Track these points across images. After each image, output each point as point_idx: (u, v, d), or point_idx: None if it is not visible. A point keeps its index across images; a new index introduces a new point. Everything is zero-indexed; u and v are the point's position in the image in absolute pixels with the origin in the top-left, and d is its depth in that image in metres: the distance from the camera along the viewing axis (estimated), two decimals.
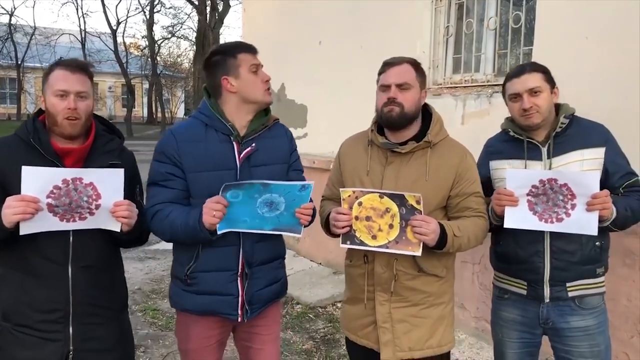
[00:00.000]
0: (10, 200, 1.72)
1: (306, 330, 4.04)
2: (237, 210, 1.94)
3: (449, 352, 2.17)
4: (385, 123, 2.08)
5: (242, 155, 2.03)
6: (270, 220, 1.97)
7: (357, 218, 1.98)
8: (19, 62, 31.52)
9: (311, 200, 2.03)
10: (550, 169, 2.08)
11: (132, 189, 1.99)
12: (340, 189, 2.03)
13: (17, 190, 1.75)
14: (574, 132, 2.10)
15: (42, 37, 30.81)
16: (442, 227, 1.96)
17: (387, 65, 2.08)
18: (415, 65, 2.09)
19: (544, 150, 2.11)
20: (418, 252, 1.95)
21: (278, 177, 2.05)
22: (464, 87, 4.16)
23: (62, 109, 1.83)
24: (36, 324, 1.85)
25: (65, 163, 1.85)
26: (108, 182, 1.81)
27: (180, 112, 42.08)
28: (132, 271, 5.26)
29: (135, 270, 5.37)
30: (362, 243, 1.99)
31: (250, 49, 2.06)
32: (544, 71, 2.12)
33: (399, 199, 1.94)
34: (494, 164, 2.23)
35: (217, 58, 2.06)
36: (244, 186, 1.94)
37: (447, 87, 4.30)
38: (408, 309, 2.07)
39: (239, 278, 2.06)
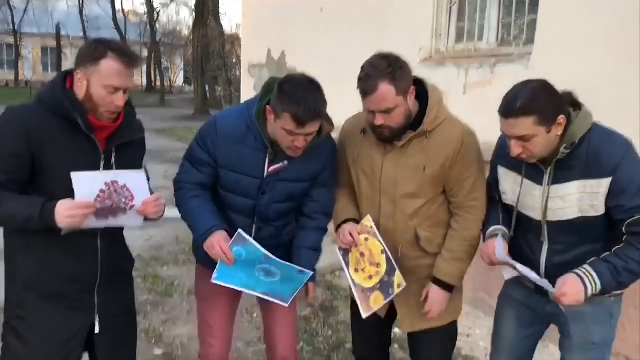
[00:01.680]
0: (67, 206, 1.69)
1: (304, 298, 4.06)
2: (236, 267, 2.03)
3: (457, 320, 2.26)
4: (378, 139, 2.04)
5: (270, 170, 2.06)
6: (264, 283, 2.08)
7: (356, 246, 2.10)
8: (16, 28, 31.07)
9: (313, 279, 2.18)
10: (548, 197, 1.84)
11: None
12: (365, 218, 2.10)
13: (50, 166, 1.76)
14: (580, 156, 1.78)
15: (39, 3, 30.30)
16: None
17: (364, 92, 1.93)
18: (392, 78, 1.88)
19: (546, 176, 1.85)
20: (364, 315, 2.10)
21: (298, 194, 2.14)
22: (467, 57, 4.10)
23: (108, 102, 1.78)
24: (65, 294, 1.88)
25: (97, 137, 1.83)
26: (136, 182, 1.84)
27: (179, 80, 41.67)
28: (132, 238, 5.22)
29: (135, 237, 5.37)
30: (347, 265, 2.14)
31: (299, 121, 1.88)
32: (539, 112, 1.71)
33: (391, 268, 2.06)
34: (499, 169, 2.04)
35: (285, 89, 1.91)
36: (248, 246, 2.01)
37: (449, 57, 4.24)
38: (420, 282, 2.13)
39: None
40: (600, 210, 1.77)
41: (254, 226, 2.14)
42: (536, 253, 1.93)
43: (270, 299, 2.10)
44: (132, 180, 1.83)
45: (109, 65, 1.75)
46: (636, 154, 1.77)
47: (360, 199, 2.18)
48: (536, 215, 1.89)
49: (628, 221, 1.74)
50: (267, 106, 1.96)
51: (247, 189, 2.08)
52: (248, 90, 6.56)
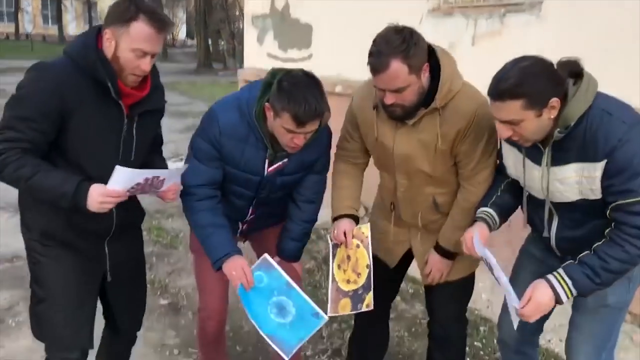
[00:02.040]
0: (101, 192, 1.70)
1: (308, 251, 4.11)
2: (253, 294, 2.02)
3: (474, 274, 2.26)
4: (390, 117, 1.98)
5: (270, 170, 2.08)
6: (272, 324, 2.02)
7: (346, 247, 2.12)
8: None
9: (297, 259, 2.28)
10: (548, 179, 1.76)
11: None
12: (364, 225, 2.11)
13: (76, 128, 1.74)
14: (577, 138, 1.66)
15: None
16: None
17: (374, 70, 1.82)
18: (405, 56, 1.77)
19: (544, 157, 1.75)
20: (328, 313, 2.07)
21: (295, 183, 2.19)
22: (475, 6, 3.97)
23: (135, 66, 1.73)
24: (79, 245, 1.91)
25: (123, 102, 1.81)
26: (173, 177, 1.89)
27: (182, 34, 41.03)
28: None
29: None
30: (333, 257, 2.17)
31: (299, 121, 1.85)
32: (527, 95, 1.59)
33: (368, 285, 2.04)
34: (502, 143, 1.97)
35: (284, 87, 1.87)
36: (272, 271, 2.02)
37: (457, 7, 4.11)
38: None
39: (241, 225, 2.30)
40: (599, 194, 1.67)
41: (251, 209, 2.22)
42: (547, 227, 1.88)
43: (272, 345, 2.03)
44: (172, 176, 1.87)
45: (140, 28, 1.69)
46: None
47: (377, 167, 2.21)
48: (540, 195, 1.83)
49: (612, 205, 1.64)
50: (266, 103, 1.93)
51: (247, 184, 2.11)
52: (251, 42, 6.46)
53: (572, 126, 1.65)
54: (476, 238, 1.85)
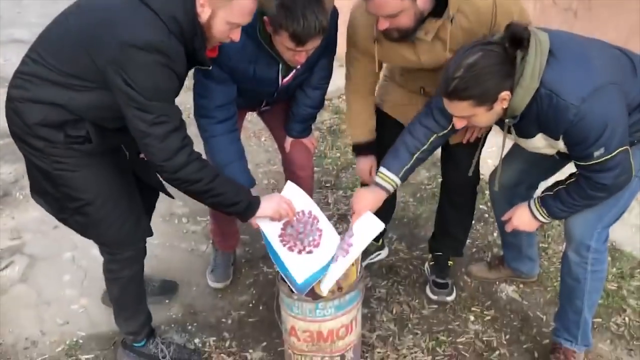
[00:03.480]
0: (277, 200, 1.89)
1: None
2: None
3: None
4: (387, 39, 1.86)
5: (285, 81, 2.05)
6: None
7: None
8: None
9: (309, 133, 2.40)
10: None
11: None
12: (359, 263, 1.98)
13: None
14: (530, 118, 1.66)
15: None
16: None
17: None
18: None
19: (507, 134, 1.79)
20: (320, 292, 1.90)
21: (306, 77, 2.17)
22: None
23: (225, 37, 1.64)
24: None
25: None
26: (330, 237, 1.96)
27: None
28: None
29: None
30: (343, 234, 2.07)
31: (298, 40, 1.73)
32: (475, 96, 1.58)
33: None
34: None
35: (282, 1, 1.70)
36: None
37: None
38: None
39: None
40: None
41: (264, 103, 2.23)
42: None
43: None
44: (329, 234, 1.94)
45: (245, 4, 1.58)
46: (597, 104, 1.55)
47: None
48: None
49: (576, 163, 1.73)
50: (265, 17, 1.77)
51: (261, 95, 2.14)
52: None
53: (522, 112, 1.64)
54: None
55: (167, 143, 1.59)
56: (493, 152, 2.90)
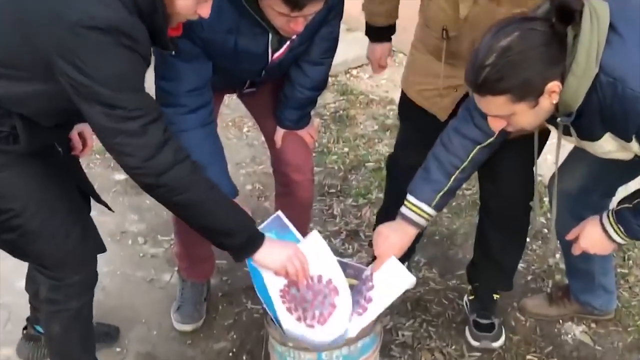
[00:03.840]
0: (295, 248, 1.90)
1: None
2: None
3: None
4: None
5: (276, 56, 2.06)
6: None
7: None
8: None
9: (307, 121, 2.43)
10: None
11: None
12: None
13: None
14: (592, 116, 1.66)
15: None
16: None
17: None
18: None
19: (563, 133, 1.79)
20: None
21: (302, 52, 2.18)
22: None
23: (192, 13, 1.69)
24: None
25: None
26: (344, 308, 1.92)
27: None
28: None
29: None
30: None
31: (292, 3, 1.75)
32: (512, 90, 1.58)
33: None
34: None
35: None
36: (286, 234, 2.06)
37: None
38: None
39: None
40: None
41: (247, 84, 2.25)
42: None
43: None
44: (343, 314, 1.89)
45: None
46: None
47: None
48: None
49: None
50: None
51: (244, 74, 2.16)
52: None
53: (581, 107, 1.61)
54: None
55: (147, 138, 1.61)
56: (554, 144, 2.88)
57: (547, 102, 1.61)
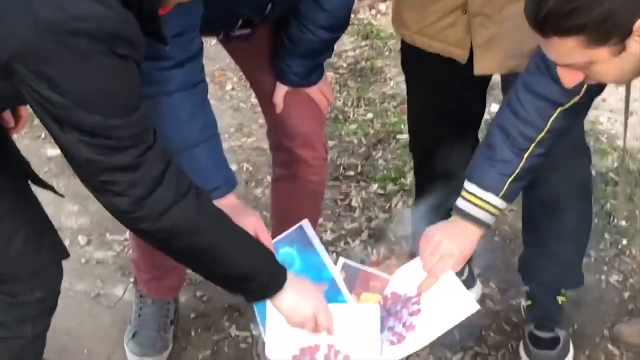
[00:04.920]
0: (325, 302, 1.99)
1: None
2: None
3: None
4: None
5: None
6: None
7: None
8: None
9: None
10: None
11: None
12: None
13: None
14: None
15: None
16: None
17: None
18: None
19: None
20: None
21: None
22: None
23: None
24: None
25: None
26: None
27: None
28: None
29: None
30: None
31: None
32: (587, 26, 1.57)
33: None
34: None
35: None
36: (309, 254, 2.14)
37: None
38: None
39: None
40: None
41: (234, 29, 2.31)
42: None
43: None
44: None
45: None
46: None
47: None
48: None
49: None
50: None
51: (243, 8, 2.19)
52: None
53: None
54: None
55: (141, 172, 1.64)
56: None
57: (636, 47, 1.61)
